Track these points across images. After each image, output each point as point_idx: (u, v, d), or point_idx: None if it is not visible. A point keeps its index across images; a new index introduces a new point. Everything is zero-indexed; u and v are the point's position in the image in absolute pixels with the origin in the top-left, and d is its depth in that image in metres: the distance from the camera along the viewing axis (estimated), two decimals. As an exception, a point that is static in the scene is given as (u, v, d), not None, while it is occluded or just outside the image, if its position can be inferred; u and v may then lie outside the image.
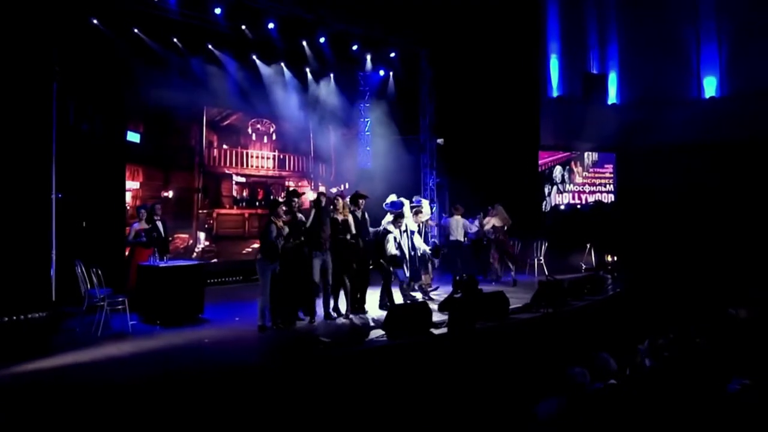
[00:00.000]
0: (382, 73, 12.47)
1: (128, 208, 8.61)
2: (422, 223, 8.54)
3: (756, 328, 4.77)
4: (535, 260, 10.27)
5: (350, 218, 6.48)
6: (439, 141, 12.51)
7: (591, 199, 12.88)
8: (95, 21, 8.29)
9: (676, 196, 12.73)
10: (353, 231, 6.49)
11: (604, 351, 3.70)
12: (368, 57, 11.60)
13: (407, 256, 7.24)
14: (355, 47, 11.21)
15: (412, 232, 7.76)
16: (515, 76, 12.16)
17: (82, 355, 4.68)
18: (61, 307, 6.44)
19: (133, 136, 8.87)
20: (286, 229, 5.92)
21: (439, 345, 4.83)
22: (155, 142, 9.10)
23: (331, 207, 6.47)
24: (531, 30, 12.54)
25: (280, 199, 6.38)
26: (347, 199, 6.78)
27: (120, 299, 5.64)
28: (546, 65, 12.91)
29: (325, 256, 6.30)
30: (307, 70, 10.96)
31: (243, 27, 9.62)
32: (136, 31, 8.78)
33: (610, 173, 13.21)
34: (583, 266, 10.46)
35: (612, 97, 13.68)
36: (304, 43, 10.52)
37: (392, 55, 11.86)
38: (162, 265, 6.07)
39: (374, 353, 4.63)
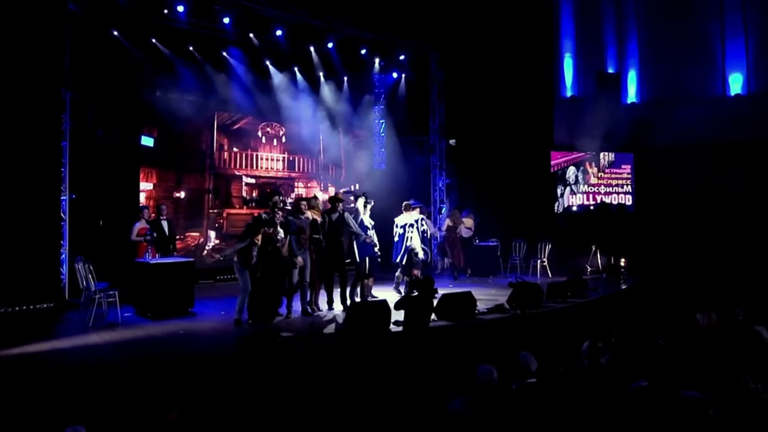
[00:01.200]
0: (395, 75, 12.69)
1: (143, 205, 9.21)
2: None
3: (719, 334, 4.71)
4: (538, 262, 10.20)
5: (319, 220, 6.78)
6: (451, 142, 12.59)
7: (607, 200, 12.60)
8: (116, 33, 8.93)
9: (698, 196, 12.31)
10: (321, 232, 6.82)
11: (526, 351, 3.81)
12: (377, 60, 11.82)
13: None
14: (363, 51, 11.46)
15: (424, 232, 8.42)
16: (527, 76, 12.07)
17: (66, 342, 5.19)
18: (69, 300, 7.03)
19: (147, 140, 9.46)
20: (281, 234, 6.32)
21: (390, 342, 5.02)
22: (168, 146, 9.66)
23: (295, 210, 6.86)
24: (544, 29, 12.41)
25: (264, 215, 6.70)
26: (321, 201, 7.17)
27: (111, 293, 6.14)
28: (560, 65, 12.73)
29: (304, 255, 6.63)
30: (318, 74, 11.29)
31: (251, 35, 10.05)
32: (153, 40, 9.39)
33: (628, 173, 12.87)
34: (588, 268, 10.30)
35: (631, 95, 13.33)
36: (312, 48, 10.86)
37: (402, 58, 12.03)
38: (153, 261, 6.54)
39: (327, 348, 4.88)
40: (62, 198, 7.49)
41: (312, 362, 4.57)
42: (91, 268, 6.30)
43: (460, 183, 12.28)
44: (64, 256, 7.34)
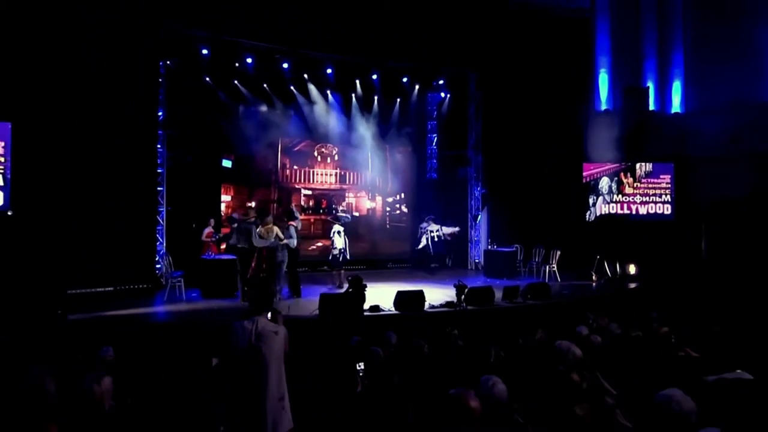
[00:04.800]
0: (442, 94, 14.29)
1: (222, 214, 12.00)
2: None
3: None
4: (548, 267, 11.22)
5: (275, 229, 8.80)
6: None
7: (642, 210, 12.96)
8: (207, 79, 11.75)
9: (745, 206, 12.25)
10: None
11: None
12: (417, 87, 13.48)
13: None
14: (405, 79, 13.23)
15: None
16: (562, 92, 12.87)
17: (153, 309, 7.97)
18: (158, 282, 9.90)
19: (227, 163, 12.22)
20: (281, 236, 8.56)
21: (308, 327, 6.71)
22: (243, 166, 12.32)
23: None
24: (580, 48, 13.10)
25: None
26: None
27: (177, 276, 8.78)
28: (594, 80, 13.31)
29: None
30: (367, 99, 13.26)
31: (305, 75, 12.35)
32: (235, 82, 12.07)
33: (667, 183, 13.03)
34: (594, 275, 11.07)
35: (675, 105, 13.43)
36: (358, 81, 12.88)
37: (441, 82, 13.59)
38: (208, 258, 9.10)
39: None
40: (160, 209, 10.41)
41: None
42: (171, 260, 9.02)
43: (493, 193, 13.50)
44: (161, 251, 10.25)
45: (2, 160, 7.78)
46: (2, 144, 7.79)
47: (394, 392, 3.15)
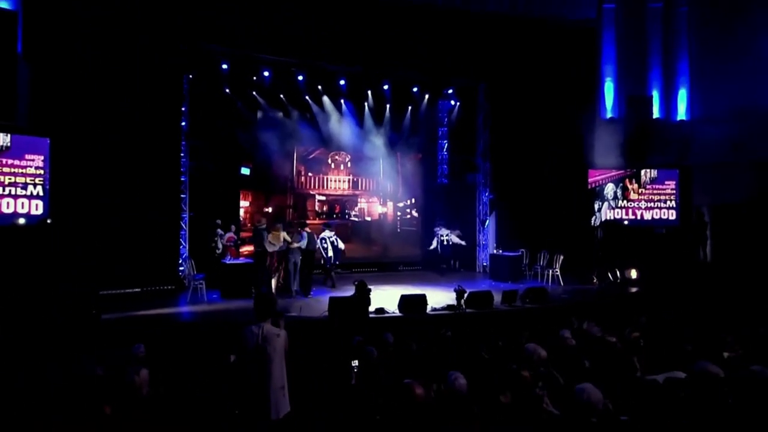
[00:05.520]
0: (452, 102, 14.79)
1: (242, 219, 12.68)
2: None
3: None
4: (550, 271, 11.64)
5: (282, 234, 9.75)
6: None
7: (647, 215, 13.27)
8: (227, 90, 12.45)
9: (748, 212, 12.53)
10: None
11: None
12: (426, 96, 14.01)
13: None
14: (415, 89, 13.76)
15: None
16: (568, 101, 13.21)
17: (177, 309, 8.62)
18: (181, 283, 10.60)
19: (245, 170, 12.91)
20: (288, 239, 9.23)
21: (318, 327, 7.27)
22: (260, 174, 12.99)
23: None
24: (586, 57, 13.43)
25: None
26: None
27: (199, 279, 9.46)
28: (600, 89, 13.64)
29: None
30: (378, 108, 13.84)
31: (319, 86, 12.97)
32: (254, 93, 12.75)
33: (672, 189, 13.31)
34: (595, 279, 11.45)
35: (681, 113, 13.70)
36: (370, 92, 13.46)
37: (450, 91, 14.09)
38: (227, 261, 9.78)
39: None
40: (183, 215, 11.12)
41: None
42: (194, 263, 9.72)
43: (501, 199, 13.93)
44: (184, 255, 10.97)
45: (42, 172, 8.53)
46: (42, 158, 8.54)
47: (379, 385, 3.70)
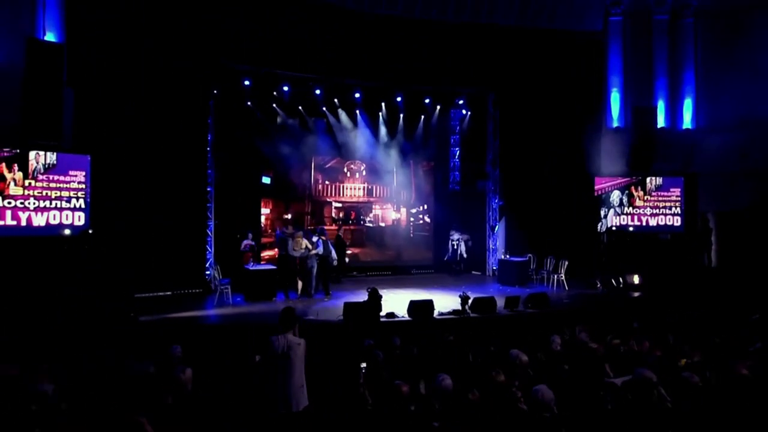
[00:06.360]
0: (464, 111, 15.37)
1: (262, 226, 13.45)
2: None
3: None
4: (555, 276, 12.17)
5: (304, 241, 10.53)
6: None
7: (653, 221, 13.69)
8: (249, 103, 13.24)
9: (752, 220, 12.91)
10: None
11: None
12: (438, 107, 14.62)
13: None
14: (427, 101, 14.38)
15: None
16: (575, 111, 13.72)
17: (204, 312, 9.39)
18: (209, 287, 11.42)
19: (266, 179, 13.69)
20: (310, 246, 9.97)
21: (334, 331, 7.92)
22: (280, 182, 13.77)
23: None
24: (592, 68, 13.89)
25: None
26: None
27: (225, 283, 10.24)
28: (607, 99, 14.08)
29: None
30: (392, 118, 14.51)
31: (335, 100, 13.68)
32: (274, 105, 13.52)
33: (677, 196, 13.69)
34: (599, 284, 11.94)
35: (686, 122, 14.06)
36: (383, 103, 14.11)
37: (461, 102, 14.67)
38: (250, 268, 10.56)
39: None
40: (209, 222, 11.93)
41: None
42: (219, 268, 10.51)
43: (510, 205, 14.47)
44: (210, 260, 11.78)
45: (83, 186, 9.38)
46: (83, 173, 9.40)
47: (382, 384, 4.36)
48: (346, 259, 13.58)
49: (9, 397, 3.55)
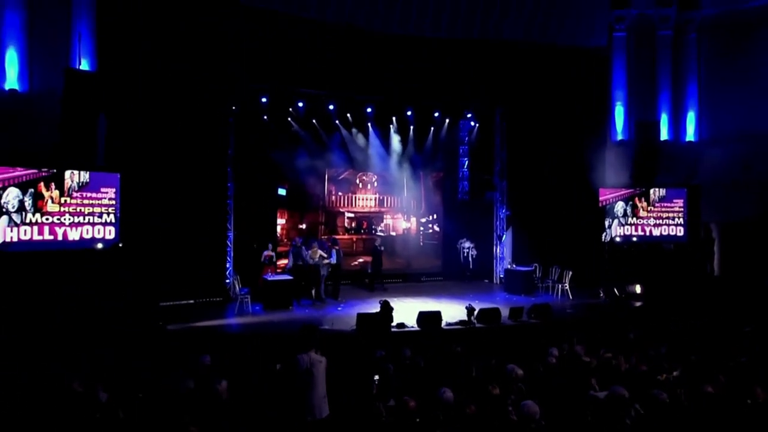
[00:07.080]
0: (472, 123, 15.87)
1: (278, 236, 14.04)
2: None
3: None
4: (559, 286, 12.63)
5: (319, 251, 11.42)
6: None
7: (656, 231, 14.08)
8: (265, 117, 13.84)
9: (757, 230, 13.29)
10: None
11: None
12: (447, 121, 15.13)
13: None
14: (436, 114, 14.91)
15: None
16: (580, 124, 14.20)
17: (225, 321, 10.01)
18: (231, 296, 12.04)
19: (282, 191, 14.30)
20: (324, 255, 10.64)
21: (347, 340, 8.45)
22: (295, 194, 14.36)
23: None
24: (597, 83, 14.33)
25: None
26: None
27: (244, 293, 10.85)
28: (611, 113, 14.51)
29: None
30: (401, 131, 15.06)
31: (348, 115, 14.25)
32: (289, 119, 14.12)
33: (680, 207, 14.07)
34: (602, 294, 12.38)
35: (690, 134, 14.44)
36: (395, 118, 14.66)
37: (469, 115, 15.18)
38: (269, 278, 11.17)
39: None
40: (228, 233, 12.55)
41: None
42: (239, 278, 11.14)
43: (517, 215, 14.93)
44: (229, 270, 12.41)
45: (113, 202, 10.05)
46: (114, 190, 10.06)
47: (393, 395, 4.91)
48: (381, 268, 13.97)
49: (72, 406, 4.14)
